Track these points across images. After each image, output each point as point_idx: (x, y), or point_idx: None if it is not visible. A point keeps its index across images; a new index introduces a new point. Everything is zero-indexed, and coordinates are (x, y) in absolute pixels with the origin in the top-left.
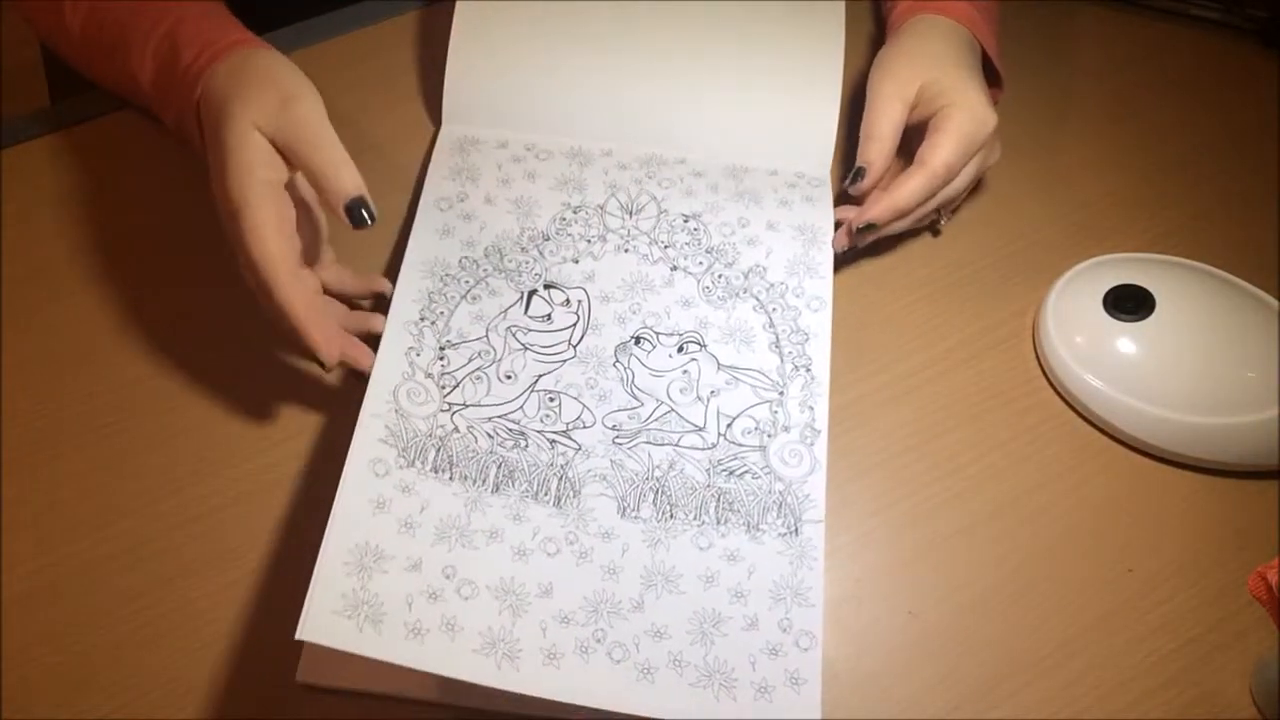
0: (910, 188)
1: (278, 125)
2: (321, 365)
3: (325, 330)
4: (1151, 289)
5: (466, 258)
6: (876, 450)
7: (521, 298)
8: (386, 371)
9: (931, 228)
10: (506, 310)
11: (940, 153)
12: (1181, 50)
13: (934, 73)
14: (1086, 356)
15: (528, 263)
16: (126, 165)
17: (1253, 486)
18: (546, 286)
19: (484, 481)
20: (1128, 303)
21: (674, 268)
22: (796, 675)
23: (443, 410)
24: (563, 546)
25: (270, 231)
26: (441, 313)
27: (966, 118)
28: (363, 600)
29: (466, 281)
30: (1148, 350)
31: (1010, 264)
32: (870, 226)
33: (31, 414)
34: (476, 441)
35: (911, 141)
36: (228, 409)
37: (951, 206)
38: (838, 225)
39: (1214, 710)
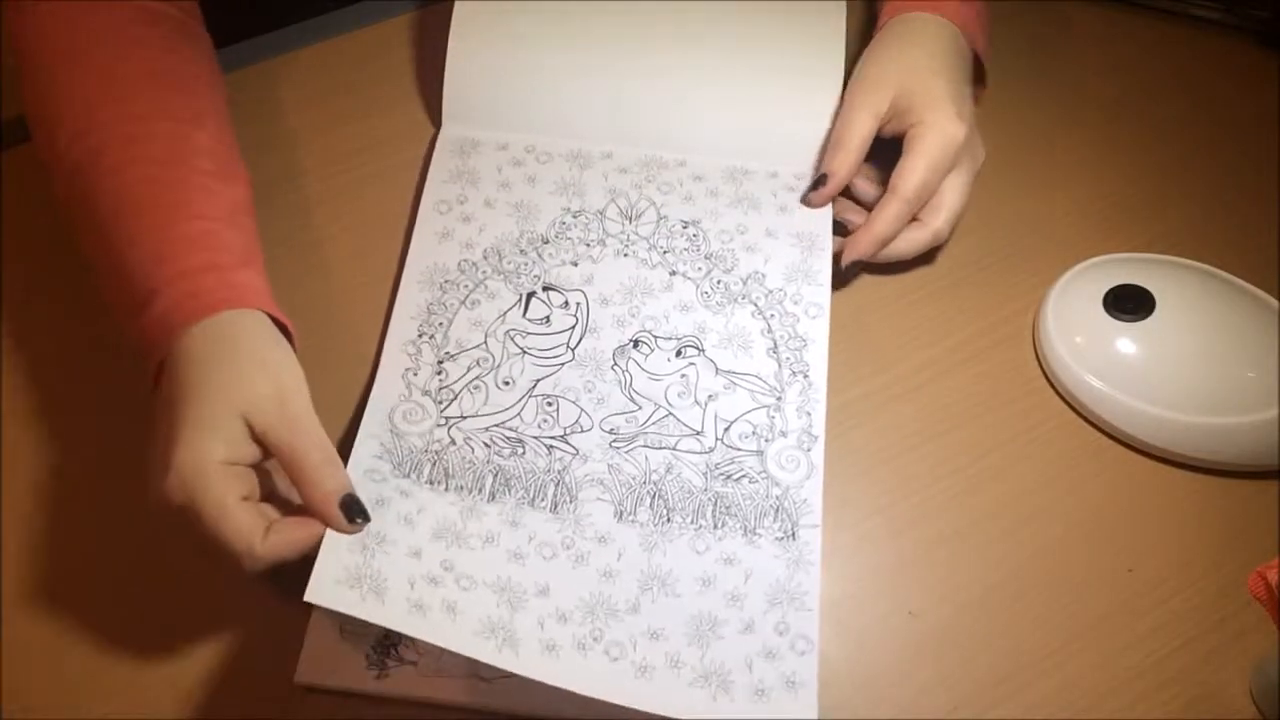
0: (887, 216)
1: (271, 423)
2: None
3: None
4: (1151, 289)
5: (465, 260)
6: (876, 450)
7: (520, 300)
8: (383, 394)
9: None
10: (505, 313)
11: (911, 178)
12: (1181, 50)
13: (907, 83)
14: (1086, 356)
15: (526, 264)
16: None
17: (1253, 486)
18: (545, 288)
19: (480, 490)
20: (1128, 303)
21: (673, 272)
22: (793, 679)
23: (439, 425)
24: (559, 551)
25: (233, 506)
26: (440, 324)
27: (934, 138)
28: (365, 574)
29: (465, 286)
30: (1148, 350)
31: (1010, 264)
32: (857, 263)
33: (31, 414)
34: (473, 452)
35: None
36: None
37: (957, 219)
38: (836, 226)
39: (1214, 710)
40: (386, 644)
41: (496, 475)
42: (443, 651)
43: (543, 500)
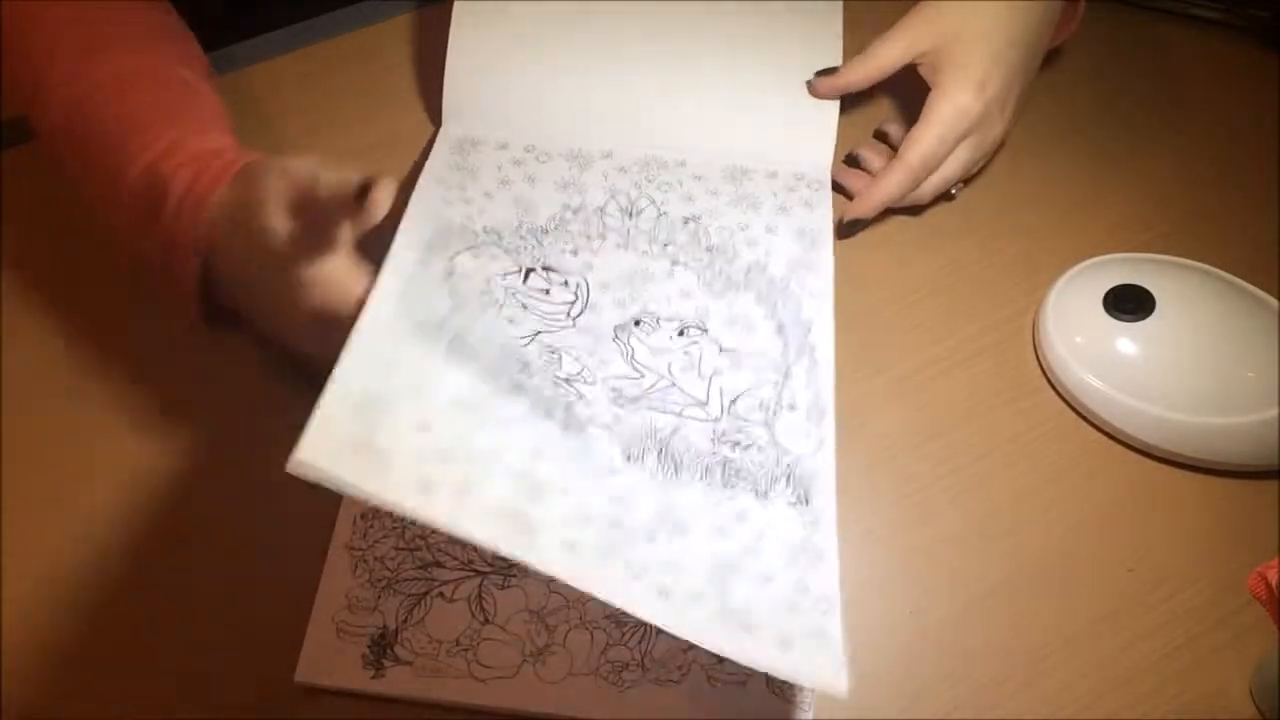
0: (890, 182)
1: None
2: None
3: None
4: (1151, 289)
5: (467, 228)
6: (877, 450)
7: (520, 270)
8: (386, 289)
9: (945, 195)
10: (506, 274)
11: (917, 148)
12: (1181, 50)
13: (949, 34)
14: (1086, 356)
15: (526, 248)
16: None
17: (1253, 486)
18: (545, 268)
19: (497, 379)
20: (1128, 303)
21: (674, 262)
22: (819, 631)
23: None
24: (577, 459)
25: (359, 276)
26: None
27: (948, 108)
28: (366, 445)
29: (469, 240)
30: (1148, 350)
31: (1010, 264)
32: (857, 221)
33: (32, 413)
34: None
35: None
36: (228, 410)
37: (953, 186)
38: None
39: (1214, 710)
40: (382, 644)
41: (509, 378)
42: (439, 650)
43: (553, 416)
